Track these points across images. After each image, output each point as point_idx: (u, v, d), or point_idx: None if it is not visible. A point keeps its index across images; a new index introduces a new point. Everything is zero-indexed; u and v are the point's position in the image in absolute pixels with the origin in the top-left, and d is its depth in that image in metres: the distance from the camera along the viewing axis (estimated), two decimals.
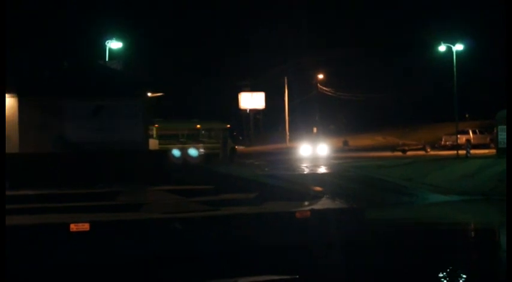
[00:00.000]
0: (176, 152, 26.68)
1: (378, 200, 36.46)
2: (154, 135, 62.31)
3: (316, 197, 25.75)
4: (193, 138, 62.65)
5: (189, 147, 57.64)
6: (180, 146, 60.13)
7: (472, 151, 57.42)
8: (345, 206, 23.74)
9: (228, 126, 71.76)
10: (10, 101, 26.97)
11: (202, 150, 54.39)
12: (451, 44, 60.52)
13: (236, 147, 62.72)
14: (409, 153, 68.39)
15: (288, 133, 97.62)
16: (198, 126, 66.22)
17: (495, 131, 52.72)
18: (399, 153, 68.02)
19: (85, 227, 19.11)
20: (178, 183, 25.61)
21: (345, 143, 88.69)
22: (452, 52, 59.95)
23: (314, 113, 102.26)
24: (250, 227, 20.87)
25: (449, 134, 73.23)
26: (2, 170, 19.58)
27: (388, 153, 67.49)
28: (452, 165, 46.93)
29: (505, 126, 48.92)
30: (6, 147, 24.28)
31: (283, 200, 24.58)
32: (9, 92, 26.63)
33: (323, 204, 23.78)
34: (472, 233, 30.04)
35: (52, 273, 18.22)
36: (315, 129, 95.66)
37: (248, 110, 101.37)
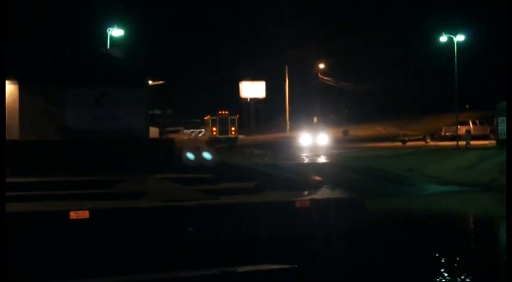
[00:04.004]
0: (191, 155, 26.70)
1: (377, 190, 36.51)
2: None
3: (316, 186, 25.83)
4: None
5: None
6: None
7: (472, 142, 57.38)
8: (344, 195, 23.81)
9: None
10: (11, 88, 26.97)
11: None
12: (452, 34, 60.52)
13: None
14: (409, 143, 68.42)
15: (288, 122, 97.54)
16: None
17: (495, 122, 52.67)
18: (399, 144, 68.04)
19: (85, 214, 19.17)
20: (178, 172, 25.65)
21: (345, 133, 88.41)
22: (453, 43, 59.98)
23: (315, 103, 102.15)
24: (249, 216, 20.93)
25: (449, 124, 73.14)
26: (2, 158, 19.60)
27: (388, 144, 67.48)
28: (452, 156, 46.88)
29: (505, 118, 48.94)
30: (6, 134, 24.33)
31: (282, 189, 24.65)
32: (9, 79, 26.65)
33: (323, 194, 23.84)
34: (471, 223, 30.11)
35: (50, 260, 18.28)
36: (315, 119, 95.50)
37: (249, 99, 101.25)
